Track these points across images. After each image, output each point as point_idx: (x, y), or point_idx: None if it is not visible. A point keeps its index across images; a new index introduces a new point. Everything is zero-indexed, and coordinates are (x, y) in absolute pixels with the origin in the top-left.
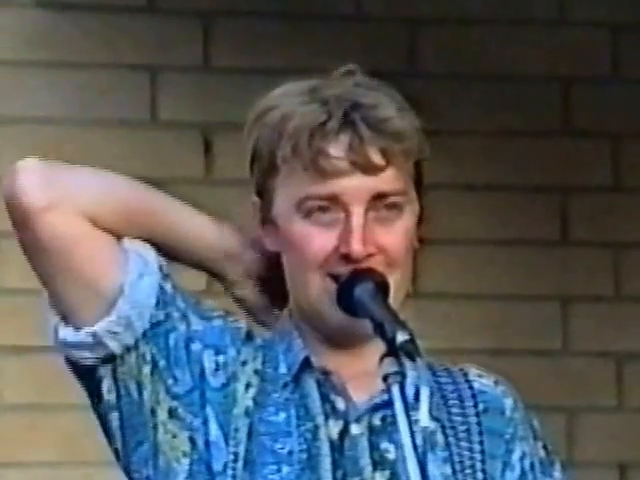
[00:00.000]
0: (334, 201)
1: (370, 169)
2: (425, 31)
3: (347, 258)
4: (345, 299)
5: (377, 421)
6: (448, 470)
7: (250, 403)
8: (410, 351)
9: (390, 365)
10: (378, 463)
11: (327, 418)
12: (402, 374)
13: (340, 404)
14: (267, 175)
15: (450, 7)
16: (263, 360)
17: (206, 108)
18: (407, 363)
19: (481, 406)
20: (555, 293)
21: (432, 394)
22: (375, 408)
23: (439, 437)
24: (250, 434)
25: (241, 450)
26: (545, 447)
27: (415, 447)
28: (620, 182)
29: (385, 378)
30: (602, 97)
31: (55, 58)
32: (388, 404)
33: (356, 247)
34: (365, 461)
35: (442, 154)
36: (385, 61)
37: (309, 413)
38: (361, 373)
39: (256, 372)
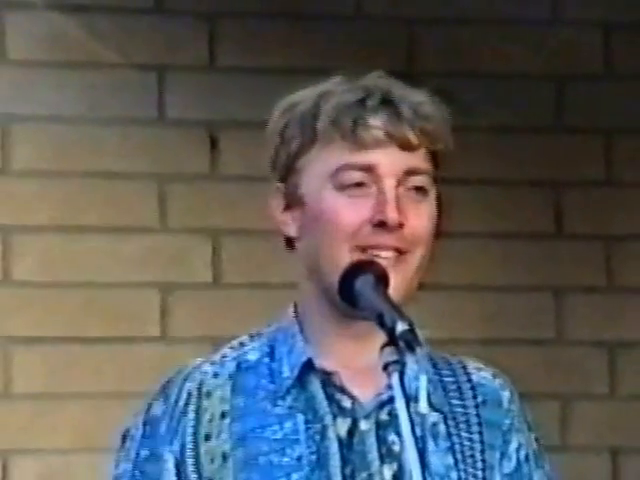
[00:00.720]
0: (369, 172)
1: (406, 145)
2: (423, 31)
3: (382, 226)
4: (346, 291)
5: (384, 416)
6: (450, 460)
7: (227, 447)
8: (410, 340)
9: (390, 354)
10: (385, 456)
11: (335, 417)
12: (402, 363)
13: (346, 402)
14: (296, 155)
15: (447, 8)
16: (257, 377)
17: (212, 106)
18: (409, 357)
19: (480, 398)
20: (549, 284)
21: (431, 383)
22: (382, 404)
23: (441, 428)
24: (245, 462)
25: None
26: (537, 439)
27: (414, 434)
28: (612, 176)
29: (385, 367)
30: (595, 94)
31: (65, 58)
32: (394, 400)
33: (392, 214)
34: (373, 455)
35: None
36: (384, 60)
37: (317, 415)
38: (367, 366)
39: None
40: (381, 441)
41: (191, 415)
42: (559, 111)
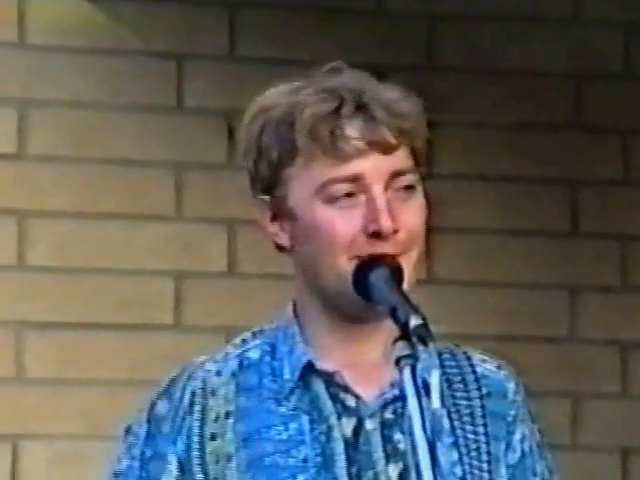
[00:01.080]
0: (355, 182)
1: (386, 148)
2: (444, 27)
3: (376, 236)
4: (361, 284)
5: (389, 414)
6: (455, 456)
7: (232, 447)
8: (423, 335)
9: (402, 349)
10: (391, 455)
11: (340, 417)
12: (414, 357)
13: (350, 401)
14: (279, 168)
15: (468, 4)
16: (259, 375)
17: (230, 96)
18: (421, 353)
19: (484, 390)
20: (564, 282)
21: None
22: (387, 403)
23: (445, 423)
24: (250, 463)
25: None
26: (540, 430)
27: (425, 429)
28: (629, 176)
29: (397, 361)
30: (613, 93)
31: (85, 44)
32: (398, 398)
33: (386, 223)
34: (378, 454)
35: (457, 145)
36: (404, 55)
37: (322, 415)
38: (369, 366)
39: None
40: (386, 440)
41: (197, 415)
42: (578, 110)
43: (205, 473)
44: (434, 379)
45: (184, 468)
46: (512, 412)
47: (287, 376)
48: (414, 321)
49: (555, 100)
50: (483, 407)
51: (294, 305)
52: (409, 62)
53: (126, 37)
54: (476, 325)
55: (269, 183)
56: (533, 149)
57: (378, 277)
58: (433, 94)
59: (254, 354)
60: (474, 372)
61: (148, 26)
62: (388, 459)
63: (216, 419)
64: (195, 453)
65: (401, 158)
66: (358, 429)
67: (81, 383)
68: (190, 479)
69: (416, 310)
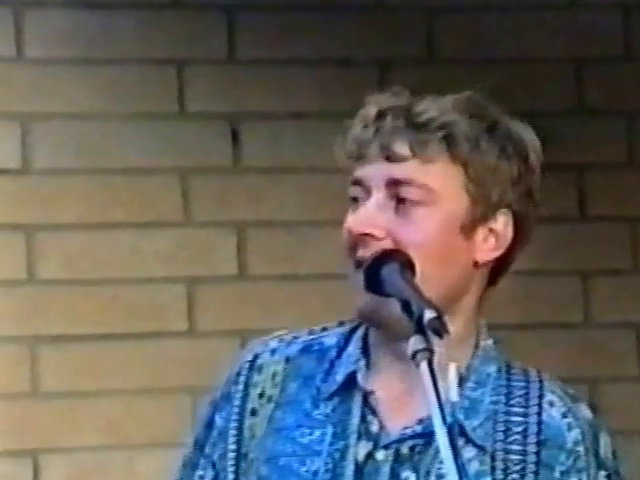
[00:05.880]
0: (361, 187)
1: (392, 156)
2: (442, 18)
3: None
4: (372, 280)
5: (405, 449)
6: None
7: (263, 431)
8: (437, 328)
9: (418, 342)
10: None
11: (359, 438)
12: (430, 351)
13: (374, 426)
14: None
15: None
16: (316, 365)
17: (232, 99)
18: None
19: (542, 436)
20: (576, 268)
21: (485, 419)
22: (404, 438)
23: (476, 465)
24: (269, 458)
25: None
26: (609, 476)
27: (445, 421)
28: (634, 158)
29: (414, 355)
30: (615, 77)
31: (85, 55)
32: (420, 435)
33: (350, 225)
34: None
35: None
36: (404, 48)
37: (345, 431)
38: (407, 392)
39: (264, 397)
40: (394, 475)
41: (241, 386)
42: (580, 94)
43: (238, 446)
44: (451, 372)
45: (222, 436)
46: (568, 462)
47: (339, 377)
48: (428, 314)
49: (557, 86)
50: (538, 453)
51: None
52: (409, 55)
53: (125, 45)
54: (490, 314)
55: None
56: (537, 136)
57: (389, 272)
58: (433, 86)
59: (330, 340)
60: (539, 414)
61: (146, 33)
62: None
63: (260, 395)
64: (233, 424)
65: (407, 169)
66: (369, 456)
67: (97, 394)
68: (223, 447)
69: (429, 303)
